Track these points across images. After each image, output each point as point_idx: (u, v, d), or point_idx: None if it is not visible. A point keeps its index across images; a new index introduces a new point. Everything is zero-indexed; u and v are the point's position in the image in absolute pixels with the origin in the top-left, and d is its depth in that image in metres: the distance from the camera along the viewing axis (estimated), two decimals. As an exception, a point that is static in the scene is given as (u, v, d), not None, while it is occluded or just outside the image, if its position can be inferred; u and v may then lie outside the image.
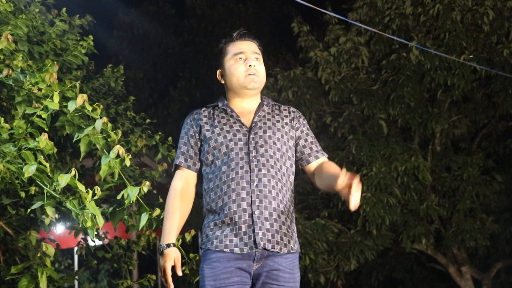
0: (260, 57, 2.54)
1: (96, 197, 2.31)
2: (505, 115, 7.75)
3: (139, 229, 2.51)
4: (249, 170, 2.36)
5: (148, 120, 4.54)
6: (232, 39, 2.54)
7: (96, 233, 2.42)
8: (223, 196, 2.35)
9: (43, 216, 3.44)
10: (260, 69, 2.50)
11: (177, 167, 2.50)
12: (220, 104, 2.52)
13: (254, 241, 2.30)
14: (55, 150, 2.50)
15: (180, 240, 2.93)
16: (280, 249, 2.34)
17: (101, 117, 2.52)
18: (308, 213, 8.03)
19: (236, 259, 2.30)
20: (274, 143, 2.44)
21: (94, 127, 2.50)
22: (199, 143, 2.48)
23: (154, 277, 4.14)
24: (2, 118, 2.49)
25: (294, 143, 2.54)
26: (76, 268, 9.36)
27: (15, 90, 2.68)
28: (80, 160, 2.84)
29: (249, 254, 2.31)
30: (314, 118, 7.92)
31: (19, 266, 3.02)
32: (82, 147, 2.52)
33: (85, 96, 2.51)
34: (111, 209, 2.56)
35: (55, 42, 3.74)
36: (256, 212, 2.32)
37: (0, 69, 2.66)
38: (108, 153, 2.49)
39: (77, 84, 2.73)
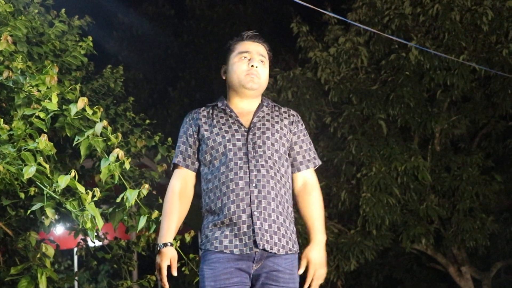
0: (266, 61, 2.53)
1: (95, 199, 2.31)
2: (504, 115, 7.75)
3: (138, 231, 2.51)
4: (248, 170, 2.36)
5: (147, 121, 4.54)
6: (242, 38, 2.55)
7: (96, 234, 2.42)
8: (222, 197, 2.35)
9: (43, 217, 3.44)
10: (262, 71, 2.49)
11: (176, 166, 2.50)
12: (219, 104, 2.52)
13: (254, 241, 2.30)
14: (55, 151, 2.50)
15: (179, 241, 2.92)
16: (278, 250, 2.34)
17: (101, 120, 2.52)
18: (308, 213, 8.03)
19: (236, 260, 2.30)
20: (273, 144, 2.44)
21: (94, 130, 2.50)
22: (197, 142, 2.48)
23: (154, 278, 4.14)
24: (2, 119, 2.49)
25: (289, 147, 2.53)
26: (76, 269, 9.36)
27: (14, 91, 2.68)
28: (81, 162, 2.84)
29: (249, 255, 2.31)
30: (313, 118, 7.91)
31: (19, 267, 3.02)
32: (82, 150, 2.53)
33: (85, 99, 2.52)
34: (110, 210, 2.56)
35: (54, 43, 3.74)
36: (255, 213, 2.32)
37: (0, 70, 2.66)
38: (108, 155, 2.49)
39: (77, 87, 2.74)
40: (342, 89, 7.61)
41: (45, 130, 2.53)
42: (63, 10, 4.02)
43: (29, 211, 2.47)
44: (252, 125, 2.46)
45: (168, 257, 2.34)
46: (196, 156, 2.49)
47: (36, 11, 3.81)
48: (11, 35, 2.99)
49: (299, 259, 2.45)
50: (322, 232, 2.47)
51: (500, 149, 8.32)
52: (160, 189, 4.26)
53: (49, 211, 2.38)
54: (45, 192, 2.32)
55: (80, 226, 2.33)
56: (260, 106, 2.53)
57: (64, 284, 3.47)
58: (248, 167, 2.36)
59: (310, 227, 2.47)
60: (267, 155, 2.41)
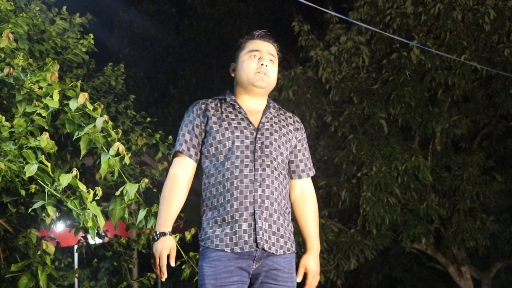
0: (276, 61, 2.54)
1: (97, 198, 2.31)
2: (505, 115, 7.75)
3: (137, 224, 2.49)
4: (253, 169, 2.36)
5: (148, 119, 4.54)
6: (253, 37, 2.55)
7: (96, 231, 2.42)
8: (225, 193, 2.34)
9: (44, 215, 3.44)
10: (271, 70, 2.50)
11: (178, 154, 2.45)
12: (228, 99, 2.51)
13: (255, 240, 2.30)
14: (56, 149, 2.50)
15: (179, 239, 2.91)
16: (277, 250, 2.36)
17: (101, 116, 2.51)
18: (308, 212, 8.02)
19: (236, 258, 2.30)
20: (279, 146, 2.46)
21: (94, 126, 2.49)
22: (203, 134, 2.44)
23: (154, 275, 4.14)
24: (3, 117, 2.49)
25: (291, 152, 2.56)
26: (76, 266, 9.36)
27: (15, 88, 2.68)
28: (81, 159, 2.84)
29: (250, 253, 2.31)
30: (314, 117, 7.91)
31: (19, 264, 3.02)
32: (82, 146, 2.51)
33: (86, 95, 2.51)
34: (111, 207, 2.56)
35: (55, 40, 3.74)
36: (257, 212, 2.33)
37: (1, 67, 2.66)
38: (108, 151, 2.48)
39: (78, 84, 2.73)
40: (343, 88, 7.60)
41: (46, 128, 2.53)
42: (64, 8, 4.02)
43: (30, 210, 2.47)
44: (260, 124, 2.46)
45: (169, 247, 2.29)
46: (199, 148, 2.45)
47: (38, 8, 3.80)
48: (12, 32, 2.98)
49: (297, 264, 2.49)
50: (318, 242, 2.59)
51: (501, 149, 8.32)
52: (160, 187, 4.25)
53: (51, 209, 2.38)
54: (46, 190, 2.32)
55: (81, 224, 2.33)
56: (267, 107, 2.54)
57: (64, 281, 3.47)
58: (254, 165, 2.37)
59: (307, 235, 2.58)
60: (273, 156, 2.42)
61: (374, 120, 7.48)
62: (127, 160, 2.48)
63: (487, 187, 7.57)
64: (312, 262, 2.52)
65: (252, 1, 12.55)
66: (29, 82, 2.62)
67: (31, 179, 2.52)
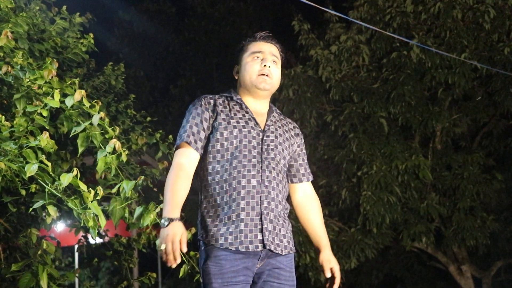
0: (279, 62, 2.54)
1: (98, 197, 2.30)
2: (505, 113, 7.75)
3: (134, 220, 2.48)
4: (260, 170, 2.37)
5: (148, 118, 4.54)
6: (255, 39, 2.55)
7: (97, 231, 2.42)
8: (231, 192, 2.33)
9: (44, 214, 3.44)
10: (275, 72, 2.50)
11: (184, 145, 2.37)
12: (234, 97, 2.50)
13: (262, 241, 2.31)
14: (56, 148, 2.50)
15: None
16: (281, 250, 2.38)
17: (99, 113, 2.50)
18: (308, 211, 8.02)
19: (242, 258, 2.30)
20: (283, 150, 2.48)
21: (91, 123, 2.48)
22: (211, 128, 2.42)
23: (154, 275, 4.15)
24: (3, 116, 2.49)
25: (291, 158, 2.59)
26: (76, 265, 9.37)
27: (14, 87, 2.68)
28: (78, 156, 2.83)
29: (255, 253, 2.32)
30: (314, 116, 7.91)
31: (20, 263, 3.02)
32: (80, 143, 2.50)
33: (83, 92, 2.49)
34: (111, 207, 2.55)
35: (55, 40, 3.74)
36: (264, 213, 2.34)
37: (0, 66, 2.66)
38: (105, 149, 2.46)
39: (76, 81, 2.73)
40: (343, 87, 7.60)
41: (46, 127, 2.53)
42: (64, 7, 4.02)
43: (31, 209, 2.47)
44: (266, 127, 2.47)
45: (180, 232, 2.16)
46: (204, 142, 2.40)
47: (37, 8, 3.80)
48: (12, 32, 2.98)
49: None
50: (327, 238, 2.64)
51: (501, 148, 8.32)
52: (160, 186, 4.25)
53: (51, 209, 2.37)
54: (46, 190, 2.31)
55: (82, 224, 2.32)
56: (270, 110, 2.55)
57: (64, 281, 3.46)
58: (261, 167, 2.38)
59: (317, 234, 2.61)
60: (277, 159, 2.45)
61: (374, 119, 7.49)
62: (124, 157, 2.46)
63: (488, 186, 7.57)
64: (332, 256, 2.57)
65: (252, 0, 12.56)
66: (28, 80, 2.62)
67: (32, 179, 2.52)
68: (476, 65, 7.07)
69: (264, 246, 2.31)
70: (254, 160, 2.37)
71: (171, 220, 2.18)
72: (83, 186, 2.28)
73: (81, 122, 2.56)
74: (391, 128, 7.68)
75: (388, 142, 7.49)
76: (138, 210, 2.40)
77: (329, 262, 2.54)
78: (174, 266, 2.14)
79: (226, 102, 2.49)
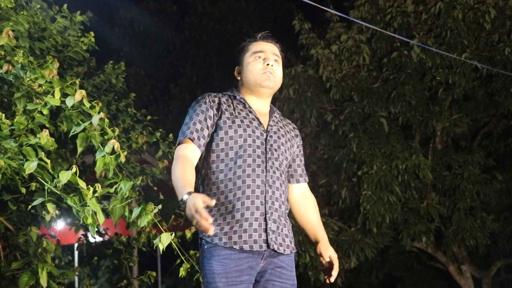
0: (280, 60, 2.55)
1: (97, 195, 2.30)
2: (506, 113, 7.75)
3: (131, 220, 2.48)
4: (265, 170, 2.38)
5: (149, 117, 4.53)
6: (256, 39, 2.56)
7: (96, 229, 2.41)
8: (235, 191, 2.33)
9: (44, 212, 3.44)
10: (277, 70, 2.51)
11: (187, 141, 2.36)
12: (237, 96, 2.51)
13: (266, 240, 2.32)
14: (56, 146, 2.50)
15: (174, 234, 2.90)
16: (284, 250, 2.40)
17: (99, 113, 2.50)
18: (308, 210, 8.02)
19: (246, 257, 2.30)
20: (285, 151, 2.50)
21: (91, 123, 2.48)
22: (214, 126, 2.41)
23: (154, 273, 4.15)
24: (3, 114, 2.49)
25: (290, 158, 2.61)
26: (76, 264, 9.38)
27: (15, 86, 2.68)
28: (77, 156, 2.82)
29: (259, 252, 2.32)
30: (315, 116, 7.91)
31: (20, 262, 3.02)
32: (79, 143, 2.50)
33: (83, 92, 2.49)
34: (111, 205, 2.56)
35: (56, 38, 3.73)
36: (268, 213, 2.35)
37: (1, 65, 2.66)
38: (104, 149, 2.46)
39: (77, 81, 2.73)
40: (343, 86, 7.61)
41: (47, 125, 2.53)
42: (65, 6, 4.01)
43: (30, 206, 2.47)
44: (269, 127, 2.49)
45: (197, 200, 2.01)
46: (207, 139, 2.40)
47: (38, 6, 3.80)
48: (13, 30, 2.98)
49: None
50: (324, 231, 2.68)
51: (501, 148, 8.32)
52: (161, 185, 4.26)
53: (50, 207, 2.37)
54: (46, 188, 2.32)
55: (81, 222, 2.32)
56: (272, 111, 2.56)
57: (64, 279, 3.47)
58: (265, 167, 2.39)
59: (314, 229, 2.65)
60: (280, 159, 2.46)
61: (374, 118, 7.49)
62: (122, 158, 2.45)
63: (488, 186, 7.58)
64: (330, 247, 2.59)
65: (253, -1, 12.56)
66: (29, 79, 2.62)
67: (32, 177, 2.53)
68: (477, 65, 7.08)
69: (268, 246, 2.32)
70: (259, 160, 2.38)
71: (188, 193, 2.10)
72: (82, 183, 2.28)
73: (80, 122, 2.56)
74: (391, 128, 7.69)
75: (388, 142, 7.50)
76: (136, 211, 2.40)
77: (327, 250, 2.57)
78: (212, 232, 2.03)
79: (230, 100, 2.49)
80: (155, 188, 4.06)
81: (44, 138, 2.37)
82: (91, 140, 2.50)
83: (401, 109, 7.40)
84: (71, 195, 2.32)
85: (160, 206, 2.42)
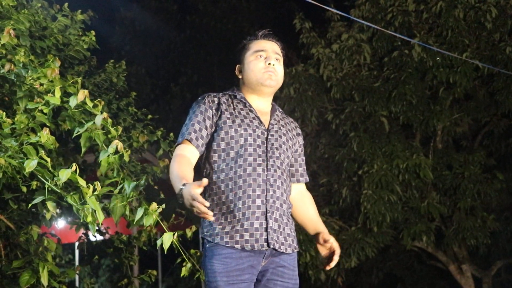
0: (281, 59, 2.55)
1: (96, 193, 2.30)
2: (507, 113, 7.74)
3: (135, 222, 2.48)
4: (265, 168, 2.38)
5: (149, 116, 4.54)
6: (256, 37, 2.56)
7: (97, 228, 2.42)
8: (236, 190, 2.34)
9: (44, 211, 3.44)
10: (278, 69, 2.51)
11: (185, 142, 2.39)
12: (238, 96, 2.51)
13: (266, 239, 2.32)
14: (57, 145, 2.50)
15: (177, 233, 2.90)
16: (286, 249, 2.40)
17: (101, 113, 2.51)
18: (309, 210, 8.02)
19: (247, 256, 2.30)
20: (287, 149, 2.50)
21: (94, 123, 2.49)
22: (214, 127, 2.42)
23: (155, 272, 4.16)
24: (4, 113, 2.49)
25: (292, 157, 2.61)
26: (77, 263, 9.38)
27: (16, 85, 2.68)
28: (81, 156, 2.84)
29: (260, 251, 2.32)
30: (315, 115, 7.91)
31: (21, 260, 3.02)
32: (82, 143, 2.51)
33: (86, 92, 2.50)
34: (112, 204, 2.56)
35: (57, 37, 3.74)
36: (269, 211, 2.35)
37: (2, 64, 2.66)
38: (108, 149, 2.47)
39: (79, 80, 2.73)
40: (344, 86, 7.60)
41: (47, 124, 2.53)
42: (66, 4, 4.01)
43: (30, 205, 2.47)
44: (270, 126, 2.48)
45: (191, 189, 2.05)
46: (206, 140, 2.41)
47: (39, 5, 3.80)
48: (14, 29, 2.98)
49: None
50: (325, 227, 2.68)
51: (502, 147, 8.31)
52: (162, 184, 4.26)
53: (50, 205, 2.37)
54: (46, 186, 2.32)
55: (81, 220, 2.32)
56: (274, 109, 2.56)
57: (65, 278, 3.47)
58: (266, 165, 2.39)
59: (315, 222, 2.65)
60: (282, 158, 2.46)
61: (375, 118, 7.49)
62: (126, 158, 2.47)
63: (488, 186, 7.57)
64: (329, 234, 2.58)
65: (254, -2, 12.55)
66: (30, 78, 2.62)
67: (32, 176, 2.53)
68: (478, 65, 7.07)
69: (268, 245, 2.32)
70: (260, 159, 2.38)
71: (183, 185, 2.12)
72: (82, 182, 2.28)
73: (83, 121, 2.56)
74: (392, 127, 7.68)
75: (389, 141, 7.49)
76: (140, 212, 2.41)
77: (329, 236, 2.55)
78: (212, 218, 2.06)
79: (230, 100, 2.49)
80: (156, 187, 4.06)
81: (45, 136, 2.37)
82: (94, 140, 2.51)
83: (401, 108, 7.40)
84: (71, 193, 2.33)
85: (164, 206, 2.42)
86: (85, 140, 2.51)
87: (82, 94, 2.49)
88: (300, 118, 7.81)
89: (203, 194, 2.42)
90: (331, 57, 7.64)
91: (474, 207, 7.69)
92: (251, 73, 2.48)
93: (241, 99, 2.50)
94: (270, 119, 2.50)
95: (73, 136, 2.53)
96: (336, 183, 7.84)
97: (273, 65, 2.48)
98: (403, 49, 7.36)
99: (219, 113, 2.43)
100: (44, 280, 2.86)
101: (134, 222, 2.48)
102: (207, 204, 2.02)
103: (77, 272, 4.01)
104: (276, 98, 7.58)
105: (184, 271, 3.00)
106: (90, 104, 2.50)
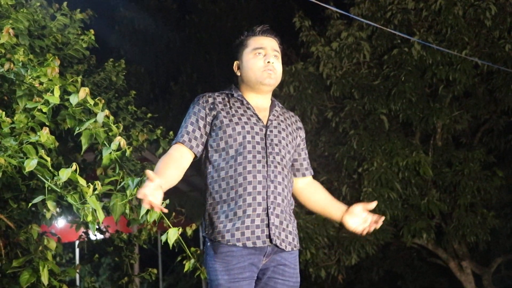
0: (279, 55, 2.54)
1: (97, 192, 2.31)
2: (506, 110, 7.75)
3: (139, 218, 2.49)
4: (265, 165, 2.37)
5: (149, 115, 4.54)
6: (254, 33, 2.53)
7: (97, 227, 2.42)
8: (237, 187, 2.34)
9: (44, 210, 3.45)
10: (277, 66, 2.50)
11: (178, 143, 2.43)
12: (235, 94, 2.51)
13: (268, 235, 2.32)
14: (57, 144, 2.51)
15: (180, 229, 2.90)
16: (286, 246, 2.39)
17: (102, 111, 2.51)
18: (309, 207, 8.03)
19: (248, 254, 2.31)
20: (287, 145, 2.49)
21: (95, 121, 2.49)
22: (208, 126, 2.43)
23: (155, 271, 4.16)
24: (4, 112, 2.49)
25: (294, 152, 2.60)
26: (77, 261, 9.39)
27: (16, 84, 2.68)
28: (82, 154, 2.84)
29: (261, 249, 2.32)
30: (315, 113, 7.91)
31: (21, 259, 3.02)
32: (83, 141, 2.51)
33: (87, 89, 2.51)
34: (112, 203, 2.56)
35: (56, 36, 3.74)
36: (270, 208, 2.34)
37: (1, 63, 2.66)
38: (109, 146, 2.48)
39: (79, 79, 2.73)
40: (344, 83, 7.60)
41: (47, 124, 2.53)
42: (65, 3, 4.02)
43: (30, 204, 2.47)
44: (269, 122, 2.48)
45: (157, 183, 2.09)
46: (202, 140, 2.42)
47: (38, 4, 3.80)
48: (13, 28, 2.98)
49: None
50: None
51: (502, 145, 8.32)
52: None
53: (50, 204, 2.38)
54: (46, 185, 2.32)
55: (81, 219, 2.33)
56: (273, 105, 2.56)
57: (65, 277, 3.47)
58: (266, 162, 2.38)
59: (333, 202, 2.62)
60: (282, 154, 2.45)
61: (375, 115, 7.49)
62: (128, 154, 2.48)
63: (488, 183, 7.58)
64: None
65: (253, -4, 12.54)
66: (30, 77, 2.62)
67: (32, 175, 2.53)
68: (477, 62, 7.07)
69: (271, 241, 2.32)
70: (259, 156, 2.38)
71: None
72: (82, 181, 2.29)
73: (84, 119, 2.57)
74: (391, 125, 7.68)
75: (389, 139, 7.50)
76: (144, 208, 2.40)
77: (364, 206, 2.54)
78: (155, 204, 2.07)
79: (226, 99, 2.49)
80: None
81: (44, 136, 2.38)
82: (94, 138, 2.51)
83: (401, 106, 7.40)
84: (72, 192, 2.33)
85: (167, 201, 2.42)
86: (86, 138, 2.51)
87: (83, 92, 2.50)
88: (300, 116, 7.80)
89: (205, 192, 2.43)
90: (331, 55, 7.64)
91: (474, 204, 7.70)
92: (250, 72, 2.48)
93: (238, 97, 2.49)
94: (269, 115, 2.50)
95: (74, 134, 2.53)
96: (336, 181, 7.85)
97: (273, 63, 2.47)
98: (403, 47, 7.36)
99: (216, 113, 2.43)
100: (45, 279, 2.86)
101: (139, 218, 2.49)
102: (143, 193, 2.03)
103: (78, 271, 4.01)
104: (276, 97, 7.57)
105: (187, 266, 3.00)
106: (91, 102, 2.51)
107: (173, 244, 2.52)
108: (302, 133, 2.66)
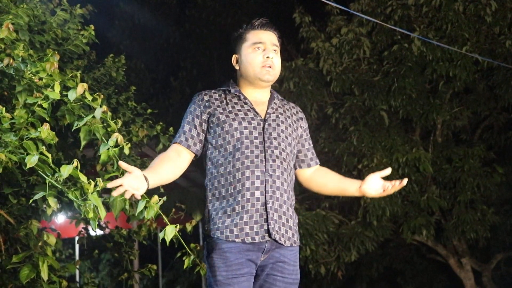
0: (278, 50, 2.53)
1: (98, 189, 2.30)
2: (506, 106, 7.74)
3: (136, 215, 2.48)
4: (264, 159, 2.36)
5: (149, 110, 4.54)
6: (254, 27, 2.52)
7: (97, 223, 2.42)
8: (235, 183, 2.34)
9: (45, 206, 3.45)
10: (276, 61, 2.49)
11: (174, 143, 2.46)
12: (232, 90, 2.50)
13: (266, 230, 2.31)
14: (57, 140, 2.50)
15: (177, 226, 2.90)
16: (285, 242, 2.37)
17: (101, 107, 2.51)
18: (308, 204, 8.05)
19: (246, 250, 2.30)
20: (286, 137, 2.47)
21: (93, 116, 2.49)
22: (204, 124, 2.44)
23: (155, 267, 4.16)
24: (4, 108, 2.49)
25: (297, 143, 2.58)
26: (77, 257, 9.39)
27: (16, 79, 2.67)
28: (81, 149, 2.83)
29: (260, 245, 2.32)
30: (315, 109, 7.90)
31: (20, 255, 3.02)
32: (82, 136, 2.51)
33: (85, 85, 2.50)
34: (112, 198, 2.56)
35: (56, 31, 3.73)
36: (269, 202, 2.33)
37: (1, 58, 2.66)
38: (107, 142, 2.47)
39: (78, 74, 2.72)
40: (344, 80, 7.59)
41: (47, 119, 2.53)
42: (65, -1, 4.00)
43: (31, 200, 2.47)
44: (267, 115, 2.47)
45: (138, 175, 2.16)
46: (199, 138, 2.44)
47: (38, -1, 3.79)
48: (12, 23, 2.98)
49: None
50: None
51: (502, 141, 8.32)
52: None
53: (51, 200, 2.37)
54: (47, 181, 2.32)
55: (82, 216, 2.32)
56: (272, 98, 2.54)
57: (65, 272, 3.48)
58: (264, 156, 2.37)
59: (346, 179, 2.61)
60: (281, 147, 2.43)
61: (375, 112, 7.48)
62: (126, 151, 2.47)
63: (488, 179, 7.58)
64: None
65: (253, -8, 12.51)
66: (29, 73, 2.61)
67: (32, 170, 2.53)
68: (477, 58, 7.06)
69: (270, 236, 2.31)
70: (257, 150, 2.37)
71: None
72: (83, 178, 2.28)
73: (83, 115, 2.56)
74: (391, 121, 7.68)
75: (389, 135, 7.49)
76: (141, 204, 2.40)
77: (380, 176, 2.53)
78: (134, 192, 2.14)
79: (223, 96, 2.49)
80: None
81: (45, 132, 2.37)
82: (93, 133, 2.51)
83: (401, 102, 7.39)
84: (72, 189, 2.33)
85: (165, 198, 2.42)
86: (85, 134, 2.51)
87: (81, 88, 2.49)
88: (300, 112, 7.79)
89: (206, 189, 2.44)
90: (331, 51, 7.62)
91: (474, 201, 7.70)
92: (249, 67, 2.47)
93: (235, 93, 2.49)
94: (267, 108, 2.49)
95: (72, 130, 2.53)
96: (336, 177, 7.83)
97: (271, 58, 2.46)
98: (403, 43, 7.35)
99: (211, 110, 2.44)
100: (44, 274, 2.86)
101: (136, 215, 2.48)
102: (116, 183, 2.09)
103: (77, 266, 4.01)
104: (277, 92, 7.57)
105: (187, 263, 3.00)
106: (89, 97, 2.50)
107: (173, 240, 2.52)
108: (303, 124, 2.62)
